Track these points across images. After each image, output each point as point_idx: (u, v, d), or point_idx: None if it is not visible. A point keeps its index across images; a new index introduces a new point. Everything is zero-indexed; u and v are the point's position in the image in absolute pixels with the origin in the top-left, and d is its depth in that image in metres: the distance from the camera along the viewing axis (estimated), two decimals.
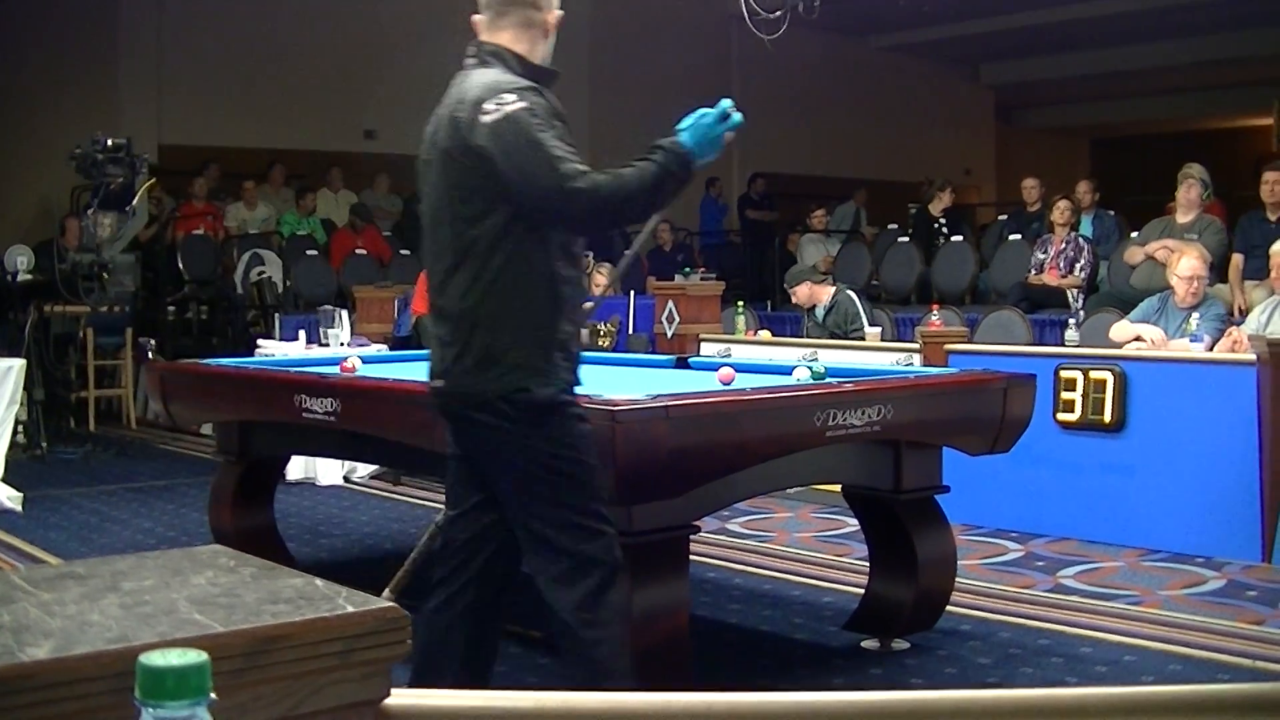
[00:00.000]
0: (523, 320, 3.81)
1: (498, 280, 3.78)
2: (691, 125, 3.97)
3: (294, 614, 1.62)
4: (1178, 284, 8.52)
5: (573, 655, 3.97)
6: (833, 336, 10.20)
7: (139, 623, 1.58)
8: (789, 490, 7.85)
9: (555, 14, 4.07)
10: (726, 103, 4.03)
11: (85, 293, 10.81)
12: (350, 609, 1.65)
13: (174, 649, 1.25)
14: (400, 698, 1.67)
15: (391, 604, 1.64)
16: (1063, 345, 9.40)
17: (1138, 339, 8.47)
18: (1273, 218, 10.54)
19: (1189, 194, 10.97)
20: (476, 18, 4.03)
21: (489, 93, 3.80)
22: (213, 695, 1.25)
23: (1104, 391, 7.66)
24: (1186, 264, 8.53)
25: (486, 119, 3.74)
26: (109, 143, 10.14)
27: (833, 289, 10.71)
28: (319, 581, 1.78)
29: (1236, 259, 10.60)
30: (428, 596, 4.05)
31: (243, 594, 1.71)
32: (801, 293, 10.77)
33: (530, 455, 3.83)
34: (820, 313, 10.60)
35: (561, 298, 3.87)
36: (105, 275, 10.96)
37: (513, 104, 3.76)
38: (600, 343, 11.20)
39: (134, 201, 10.47)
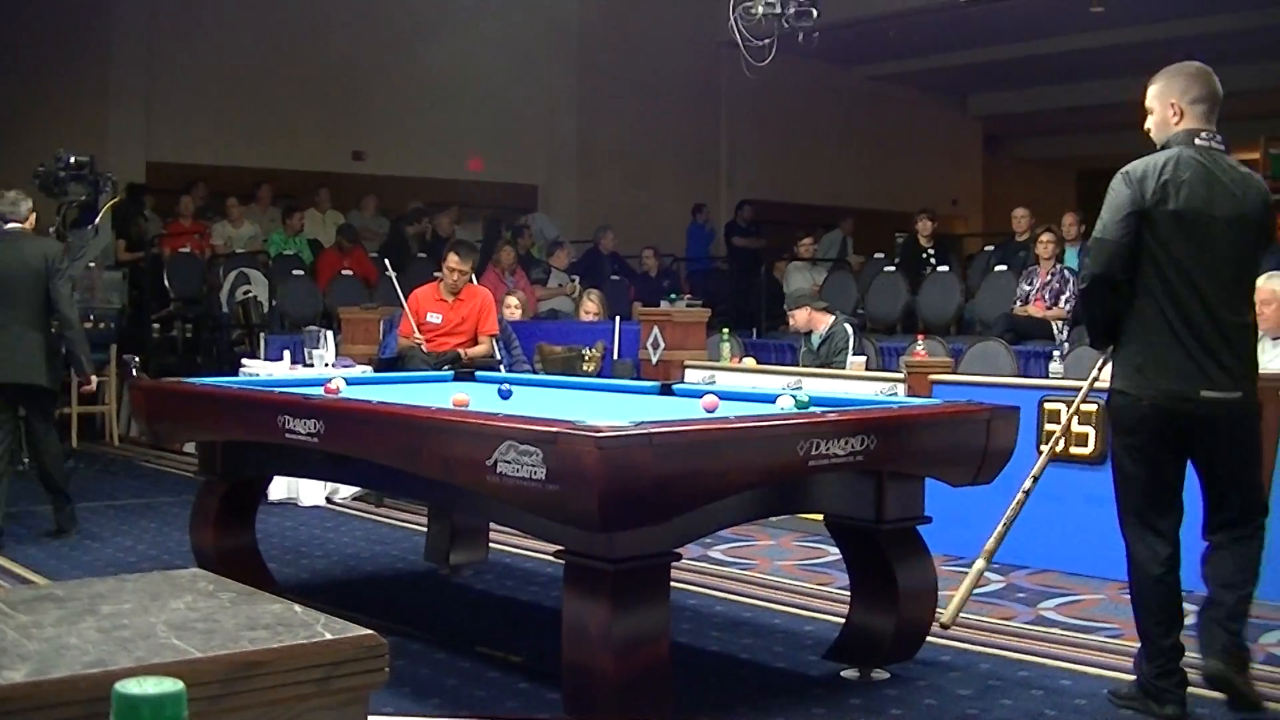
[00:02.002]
0: None
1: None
2: None
3: (272, 640, 1.61)
4: None
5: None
6: (824, 366, 10.18)
7: (116, 647, 1.57)
8: (771, 518, 7.84)
9: None
10: None
11: None
12: (329, 636, 1.65)
13: (150, 677, 1.25)
14: None
15: (370, 632, 1.64)
16: (1047, 377, 9.41)
17: None
18: None
19: None
20: (1194, 108, 5.18)
21: (1255, 177, 5.28)
22: None
23: (1088, 424, 7.66)
24: None
25: (1269, 199, 5.26)
26: (72, 160, 10.06)
27: (831, 318, 10.69)
28: (298, 608, 1.77)
29: None
30: (1152, 566, 5.19)
31: (221, 619, 1.71)
32: (800, 317, 10.74)
33: (1257, 443, 5.32)
34: (816, 340, 10.58)
35: None
36: None
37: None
38: (586, 368, 11.19)
39: (96, 220, 10.39)
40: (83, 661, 1.51)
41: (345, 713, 1.63)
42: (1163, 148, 5.15)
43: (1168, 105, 5.18)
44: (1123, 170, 5.09)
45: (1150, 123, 5.26)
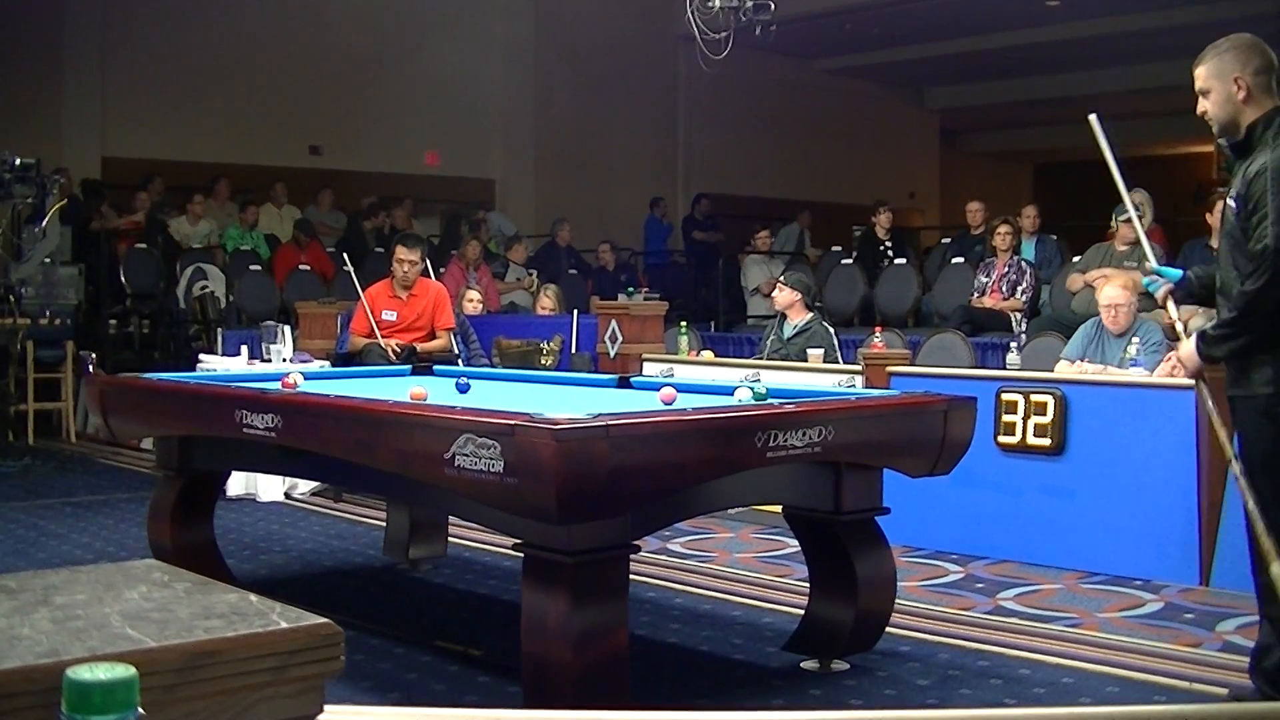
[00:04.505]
0: None
1: None
2: None
3: (227, 629, 1.61)
4: (1102, 311, 8.57)
5: None
6: (785, 357, 10.11)
7: (70, 637, 1.56)
8: (730, 510, 7.85)
9: None
10: None
11: None
12: (284, 625, 1.64)
13: (101, 664, 1.24)
14: (333, 714, 1.66)
15: (325, 620, 1.63)
16: (1004, 368, 9.44)
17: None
18: (1215, 244, 10.59)
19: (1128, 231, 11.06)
20: (1258, 80, 4.89)
21: None
22: (140, 710, 1.24)
23: (1045, 415, 7.70)
24: (1107, 292, 8.58)
25: None
26: (17, 162, 9.99)
27: (810, 315, 10.54)
28: (253, 597, 1.76)
29: None
30: None
31: (176, 609, 1.70)
32: (787, 298, 10.46)
33: None
34: (789, 330, 10.43)
35: None
36: (12, 299, 10.91)
37: None
38: (543, 361, 11.18)
39: (44, 223, 10.34)
40: (35, 652, 1.50)
41: (300, 701, 1.62)
42: (1246, 129, 4.92)
43: (1230, 81, 4.90)
44: None
45: (1208, 104, 4.99)
